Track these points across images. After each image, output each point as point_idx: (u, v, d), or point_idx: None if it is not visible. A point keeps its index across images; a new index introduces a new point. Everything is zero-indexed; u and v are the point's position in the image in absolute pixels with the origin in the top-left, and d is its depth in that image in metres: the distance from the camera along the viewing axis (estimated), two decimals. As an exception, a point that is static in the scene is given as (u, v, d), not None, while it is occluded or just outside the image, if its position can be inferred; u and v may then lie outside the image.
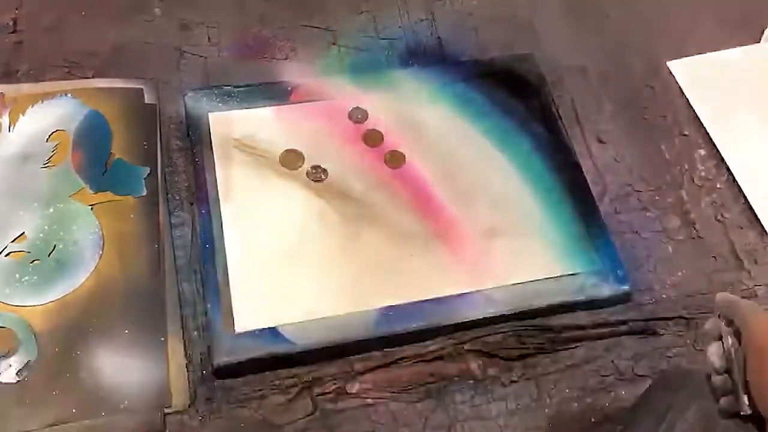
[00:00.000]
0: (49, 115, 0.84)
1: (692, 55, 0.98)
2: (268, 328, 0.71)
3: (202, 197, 0.79)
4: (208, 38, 0.94)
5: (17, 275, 0.73)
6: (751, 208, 0.85)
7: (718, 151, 0.89)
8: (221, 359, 0.70)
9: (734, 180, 0.87)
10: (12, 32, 0.92)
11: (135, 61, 0.91)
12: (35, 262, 0.75)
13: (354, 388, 0.71)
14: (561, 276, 0.77)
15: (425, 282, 0.76)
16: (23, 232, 0.76)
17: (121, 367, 0.70)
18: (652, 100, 0.94)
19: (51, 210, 0.78)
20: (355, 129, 0.87)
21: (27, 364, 0.69)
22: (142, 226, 0.78)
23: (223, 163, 0.82)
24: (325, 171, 0.83)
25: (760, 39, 0.99)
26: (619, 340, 0.76)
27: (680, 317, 0.77)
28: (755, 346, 0.49)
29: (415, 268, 0.77)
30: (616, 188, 0.86)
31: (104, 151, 0.82)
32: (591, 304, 0.77)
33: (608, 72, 0.96)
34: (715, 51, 0.98)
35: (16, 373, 0.68)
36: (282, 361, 0.71)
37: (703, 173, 0.88)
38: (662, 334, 0.77)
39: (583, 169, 0.85)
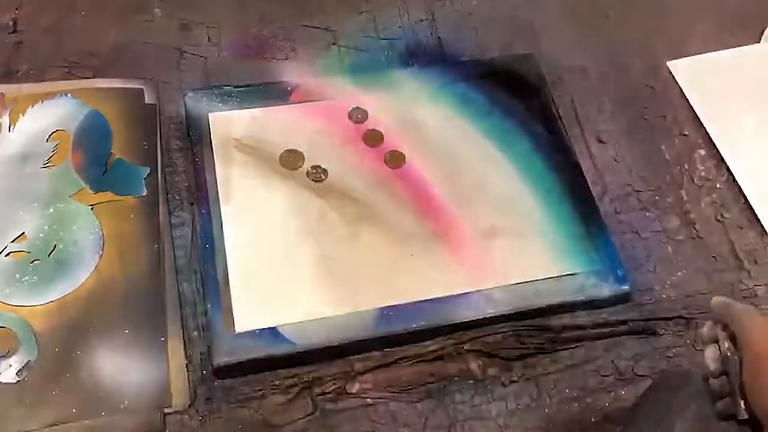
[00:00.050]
0: (49, 115, 0.84)
1: (692, 55, 0.97)
2: (268, 328, 0.71)
3: (202, 197, 0.79)
4: (208, 38, 0.94)
5: (17, 275, 0.73)
6: (751, 208, 0.85)
7: (718, 151, 0.89)
8: (221, 359, 0.70)
9: (734, 180, 0.87)
10: (12, 32, 0.92)
11: (135, 61, 0.91)
12: (35, 262, 0.74)
13: (354, 388, 0.71)
14: (561, 276, 0.77)
15: (425, 282, 0.75)
16: (23, 232, 0.76)
17: (121, 367, 0.70)
18: (652, 100, 0.94)
19: (51, 210, 0.78)
20: (355, 129, 0.87)
21: (27, 364, 0.69)
22: (142, 226, 0.78)
23: (223, 163, 0.82)
24: (325, 171, 0.83)
25: (760, 39, 0.99)
26: (619, 340, 0.76)
27: (680, 317, 0.77)
28: (751, 351, 0.49)
29: (415, 268, 0.77)
30: (616, 188, 0.86)
31: (104, 151, 0.82)
32: (591, 304, 0.77)
33: (608, 72, 0.96)
34: (715, 51, 0.98)
35: (16, 373, 0.68)
36: (282, 361, 0.71)
37: (703, 173, 0.88)
38: (662, 334, 0.77)
39: (583, 169, 0.85)
